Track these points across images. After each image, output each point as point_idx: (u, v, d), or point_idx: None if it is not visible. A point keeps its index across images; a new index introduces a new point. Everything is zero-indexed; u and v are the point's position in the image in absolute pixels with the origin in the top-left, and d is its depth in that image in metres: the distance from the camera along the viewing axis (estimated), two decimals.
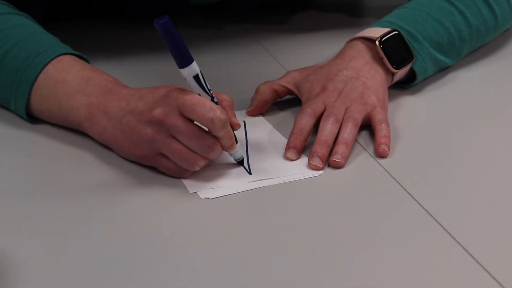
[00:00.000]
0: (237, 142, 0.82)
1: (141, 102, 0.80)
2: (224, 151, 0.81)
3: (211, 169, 0.83)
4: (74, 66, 0.88)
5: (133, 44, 1.12)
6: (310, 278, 0.69)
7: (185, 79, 0.78)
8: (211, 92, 0.79)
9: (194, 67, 0.78)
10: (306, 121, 0.87)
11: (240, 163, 0.84)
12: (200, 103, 0.77)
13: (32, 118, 0.90)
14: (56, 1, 1.12)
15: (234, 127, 0.82)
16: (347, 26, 1.17)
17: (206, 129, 0.79)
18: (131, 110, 0.81)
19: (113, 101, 0.83)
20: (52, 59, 0.88)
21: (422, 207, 0.77)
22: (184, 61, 0.77)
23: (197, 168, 0.80)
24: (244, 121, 0.93)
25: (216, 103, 0.80)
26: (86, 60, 0.91)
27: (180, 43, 0.77)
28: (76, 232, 0.74)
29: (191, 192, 0.80)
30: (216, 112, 0.77)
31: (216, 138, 0.79)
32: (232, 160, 0.84)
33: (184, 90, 0.79)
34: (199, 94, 0.79)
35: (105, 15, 1.19)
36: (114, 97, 0.83)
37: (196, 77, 0.78)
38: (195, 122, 0.79)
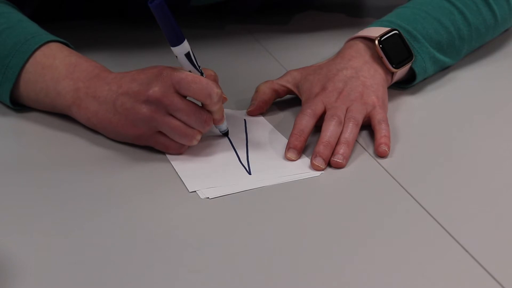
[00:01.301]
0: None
1: (134, 83, 0.82)
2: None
3: (211, 169, 0.83)
4: (62, 52, 0.89)
5: (133, 44, 1.12)
6: (310, 278, 0.69)
7: (176, 57, 0.82)
8: (200, 68, 0.83)
9: (186, 45, 0.81)
10: (306, 121, 0.87)
11: (225, 134, 0.88)
12: (196, 80, 0.80)
13: (17, 105, 0.92)
14: (56, 1, 1.12)
15: (222, 101, 0.84)
16: (347, 26, 1.17)
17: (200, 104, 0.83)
18: (125, 91, 0.82)
19: (102, 85, 0.85)
20: (40, 46, 0.89)
21: (422, 207, 0.77)
22: (176, 39, 0.80)
23: (195, 142, 0.83)
24: (244, 121, 0.93)
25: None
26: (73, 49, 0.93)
27: (172, 22, 0.79)
28: (75, 232, 0.74)
29: (190, 191, 0.80)
30: (214, 88, 0.81)
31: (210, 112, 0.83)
32: (232, 160, 0.85)
33: (175, 68, 0.81)
34: (189, 71, 0.82)
35: (105, 15, 1.19)
36: (102, 81, 0.85)
37: (187, 55, 0.81)
38: (188, 98, 0.82)
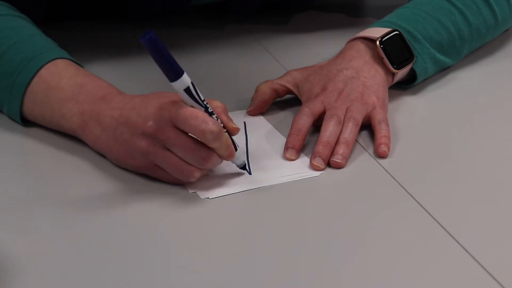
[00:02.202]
0: (237, 149, 0.80)
1: (133, 113, 0.79)
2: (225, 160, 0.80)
3: (211, 169, 0.83)
4: (68, 71, 0.86)
5: (133, 44, 1.12)
6: (310, 277, 0.69)
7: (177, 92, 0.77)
8: (204, 102, 0.77)
9: (185, 80, 0.76)
10: (303, 121, 0.87)
11: (242, 168, 0.82)
12: (193, 116, 0.76)
13: (25, 121, 0.89)
14: (57, 2, 1.12)
15: (232, 132, 0.80)
16: (347, 26, 1.17)
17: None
18: (124, 121, 0.80)
19: (106, 110, 0.82)
20: (47, 63, 0.86)
21: (422, 207, 0.77)
22: (174, 74, 0.75)
23: (193, 180, 0.79)
24: (244, 122, 0.93)
25: (212, 113, 0.78)
26: (81, 66, 0.89)
27: (168, 56, 0.75)
28: (75, 232, 0.74)
29: (191, 192, 0.80)
30: (208, 125, 0.75)
31: (212, 148, 0.77)
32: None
33: (177, 102, 0.77)
34: (192, 106, 0.77)
35: (105, 16, 1.19)
36: (106, 105, 0.82)
37: (187, 90, 0.76)
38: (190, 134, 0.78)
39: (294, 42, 1.15)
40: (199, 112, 0.76)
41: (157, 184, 0.81)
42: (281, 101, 0.96)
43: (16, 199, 0.78)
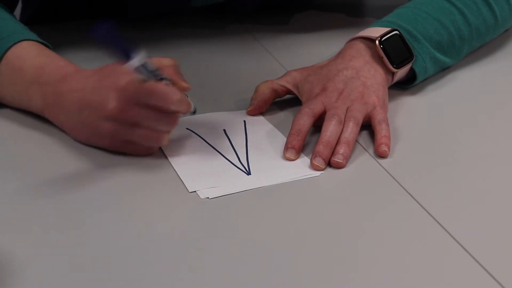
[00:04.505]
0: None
1: (94, 96, 0.82)
2: None
3: (211, 169, 0.83)
4: (31, 53, 0.89)
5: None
6: (310, 277, 0.69)
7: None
8: (158, 72, 0.80)
9: (137, 59, 0.78)
10: (304, 121, 0.87)
11: (193, 113, 0.85)
12: (153, 91, 0.79)
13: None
14: (57, 2, 1.12)
15: (184, 90, 0.83)
16: (347, 26, 1.17)
17: None
18: (86, 105, 0.82)
19: (67, 93, 0.84)
20: (12, 45, 0.89)
21: (422, 207, 0.77)
22: (126, 56, 0.78)
23: (165, 143, 0.83)
24: (244, 121, 0.93)
25: (166, 78, 0.80)
26: (48, 46, 0.92)
27: (119, 41, 0.77)
28: (75, 231, 0.74)
29: (190, 191, 0.80)
30: (170, 96, 0.79)
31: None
32: (232, 160, 0.84)
33: (133, 81, 0.80)
34: (146, 79, 0.80)
35: (106, 16, 1.19)
36: (67, 87, 0.85)
37: (140, 68, 0.79)
38: None
39: (294, 42, 1.15)
40: (158, 86, 0.80)
41: (157, 184, 0.81)
42: (281, 101, 0.96)
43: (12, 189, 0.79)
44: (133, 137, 0.82)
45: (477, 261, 0.70)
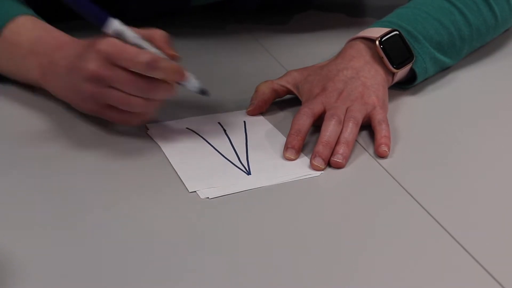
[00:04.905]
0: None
1: (80, 59, 0.84)
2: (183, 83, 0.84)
3: (211, 169, 0.83)
4: (26, 27, 0.92)
5: None
6: (310, 278, 0.69)
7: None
8: (138, 39, 0.82)
9: (112, 25, 0.82)
10: (303, 121, 0.87)
11: (203, 93, 0.85)
12: (123, 51, 0.81)
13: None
14: (56, 2, 1.12)
15: (173, 58, 0.83)
16: (347, 26, 1.17)
17: None
18: (72, 68, 0.85)
19: (61, 59, 0.87)
20: (8, 22, 0.91)
21: (422, 207, 0.77)
22: (99, 20, 0.82)
23: (139, 109, 0.83)
24: (244, 121, 0.93)
25: (146, 46, 0.82)
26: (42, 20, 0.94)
27: (89, 4, 0.82)
28: (75, 231, 0.74)
29: (190, 191, 0.80)
30: (139, 57, 0.80)
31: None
32: (232, 160, 0.84)
33: (111, 42, 0.82)
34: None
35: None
36: (61, 54, 0.87)
37: (117, 34, 0.82)
38: None
39: (294, 42, 1.15)
40: (129, 47, 0.81)
41: (157, 184, 0.81)
42: (281, 101, 0.96)
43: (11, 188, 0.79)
44: (110, 99, 0.83)
45: (477, 261, 0.70)
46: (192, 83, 0.84)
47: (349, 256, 0.72)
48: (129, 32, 0.82)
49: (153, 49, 0.82)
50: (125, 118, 0.85)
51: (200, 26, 1.19)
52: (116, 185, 0.81)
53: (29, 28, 0.92)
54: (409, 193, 0.80)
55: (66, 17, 1.16)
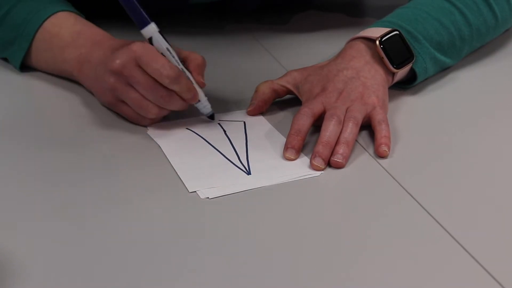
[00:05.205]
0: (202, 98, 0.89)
1: (110, 53, 0.88)
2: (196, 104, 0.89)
3: (211, 169, 0.83)
4: (69, 21, 0.97)
5: None
6: (310, 278, 0.69)
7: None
8: (172, 50, 0.86)
9: (150, 29, 0.86)
10: (303, 121, 0.87)
11: (210, 117, 0.91)
12: (154, 59, 0.85)
13: (23, 68, 1.01)
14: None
15: (198, 84, 0.88)
16: (347, 26, 1.17)
17: None
18: (103, 60, 0.89)
19: (97, 51, 0.92)
20: (50, 15, 0.97)
21: (422, 207, 0.77)
22: (141, 23, 0.86)
23: (151, 116, 0.88)
24: (244, 122, 0.93)
25: (178, 61, 0.86)
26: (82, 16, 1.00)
27: (135, 6, 0.86)
28: (75, 231, 0.74)
29: (190, 191, 0.80)
30: (166, 69, 0.84)
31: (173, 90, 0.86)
32: (232, 160, 0.84)
33: (146, 45, 0.86)
34: (161, 53, 0.86)
35: (105, 15, 1.19)
36: (99, 47, 0.92)
37: (151, 39, 0.86)
38: None
39: (294, 42, 1.15)
40: (160, 57, 0.85)
41: (157, 184, 0.81)
42: (281, 101, 0.96)
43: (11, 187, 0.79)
44: (126, 97, 0.87)
45: (477, 261, 0.70)
46: (203, 106, 0.90)
47: (349, 256, 0.72)
48: (162, 41, 0.86)
49: (179, 66, 0.86)
50: (136, 117, 0.89)
51: (200, 26, 1.19)
52: (116, 185, 0.81)
53: (71, 22, 0.97)
54: (409, 193, 0.80)
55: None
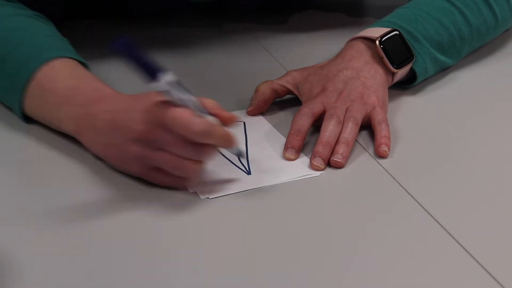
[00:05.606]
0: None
1: (123, 116, 0.78)
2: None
3: (211, 169, 0.83)
4: (63, 73, 0.85)
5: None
6: (310, 277, 0.69)
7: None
8: (192, 97, 0.76)
9: (163, 82, 0.74)
10: (303, 121, 0.87)
11: (239, 155, 0.82)
12: (178, 117, 0.74)
13: (28, 119, 0.89)
14: (57, 2, 1.12)
15: (227, 122, 0.79)
16: (347, 25, 1.17)
17: None
18: (115, 126, 0.78)
19: (99, 113, 0.80)
20: (42, 64, 0.85)
21: (422, 207, 0.77)
22: (151, 76, 0.74)
23: (192, 173, 0.78)
24: (244, 122, 0.92)
25: (200, 108, 0.77)
26: (84, 63, 0.89)
27: (144, 59, 0.74)
28: (75, 231, 0.74)
29: (190, 192, 0.79)
30: (194, 125, 0.74)
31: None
32: (232, 159, 0.84)
33: (162, 103, 0.76)
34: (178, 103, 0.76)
35: (105, 15, 1.19)
36: (100, 108, 0.80)
37: (168, 90, 0.75)
38: None
39: (294, 42, 1.15)
40: (184, 112, 0.75)
41: (157, 184, 0.81)
42: (281, 101, 0.96)
43: (15, 201, 0.79)
44: (161, 162, 0.77)
45: (477, 261, 0.70)
46: (236, 148, 0.80)
47: (349, 256, 0.72)
48: (180, 91, 0.75)
49: (203, 113, 0.77)
50: (174, 180, 0.79)
51: (200, 26, 1.19)
52: (116, 185, 0.81)
53: (66, 75, 0.85)
54: (409, 193, 0.80)
55: (65, 16, 1.16)
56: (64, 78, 0.85)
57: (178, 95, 0.75)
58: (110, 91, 0.83)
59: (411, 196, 0.79)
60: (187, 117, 0.74)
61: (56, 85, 0.84)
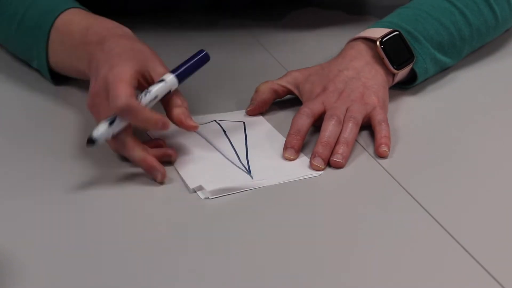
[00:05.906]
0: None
1: (100, 70, 0.82)
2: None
3: (211, 169, 0.83)
4: (77, 17, 0.93)
5: None
6: (310, 277, 0.69)
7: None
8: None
9: (173, 84, 0.83)
10: (303, 121, 0.87)
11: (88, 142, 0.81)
12: (116, 94, 0.79)
13: (54, 76, 0.97)
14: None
15: (188, 129, 0.84)
16: (346, 24, 1.17)
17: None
18: (93, 73, 0.84)
19: (97, 53, 0.86)
20: (60, 13, 0.93)
21: (422, 207, 0.77)
22: (181, 77, 0.83)
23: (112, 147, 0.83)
24: (243, 122, 0.93)
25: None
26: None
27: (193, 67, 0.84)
28: (74, 231, 0.74)
29: (191, 192, 0.79)
30: (117, 101, 0.78)
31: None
32: (232, 160, 0.84)
33: (133, 79, 0.81)
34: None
35: (105, 13, 1.19)
36: (99, 48, 0.86)
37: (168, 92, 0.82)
38: None
39: (294, 42, 1.15)
40: (125, 90, 0.79)
41: (157, 185, 0.81)
42: (281, 101, 0.96)
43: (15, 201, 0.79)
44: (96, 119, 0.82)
45: (477, 261, 0.70)
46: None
47: (349, 256, 0.72)
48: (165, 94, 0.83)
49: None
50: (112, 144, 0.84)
51: (199, 25, 1.19)
52: (116, 185, 0.81)
53: (80, 18, 0.93)
54: (409, 193, 0.80)
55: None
56: (78, 21, 0.93)
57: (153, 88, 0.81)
58: (116, 31, 0.89)
59: (411, 196, 0.79)
60: (122, 95, 0.78)
61: (72, 28, 0.92)
